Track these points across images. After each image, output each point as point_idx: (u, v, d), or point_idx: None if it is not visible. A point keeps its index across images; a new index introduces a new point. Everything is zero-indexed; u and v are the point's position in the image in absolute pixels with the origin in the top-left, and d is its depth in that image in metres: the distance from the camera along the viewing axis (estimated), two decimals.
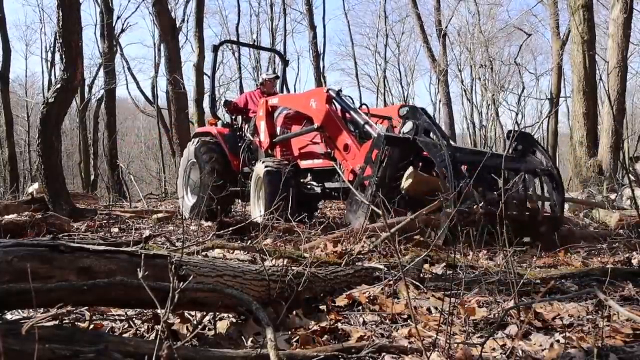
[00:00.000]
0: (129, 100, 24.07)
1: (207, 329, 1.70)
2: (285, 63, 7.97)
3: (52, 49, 21.02)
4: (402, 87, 29.86)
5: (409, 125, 3.91)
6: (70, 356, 1.16)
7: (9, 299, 1.27)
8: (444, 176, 3.53)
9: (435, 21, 19.90)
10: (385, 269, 2.34)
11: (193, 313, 1.77)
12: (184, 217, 5.98)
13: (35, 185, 6.53)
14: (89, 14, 59.72)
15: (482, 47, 22.90)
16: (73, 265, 1.40)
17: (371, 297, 2.01)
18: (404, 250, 2.99)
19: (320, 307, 1.93)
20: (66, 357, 1.15)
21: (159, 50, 19.15)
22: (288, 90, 9.35)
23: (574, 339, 1.57)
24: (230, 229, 3.79)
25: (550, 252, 3.34)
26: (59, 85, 5.43)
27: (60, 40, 5.41)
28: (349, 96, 4.91)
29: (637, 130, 24.73)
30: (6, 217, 4.76)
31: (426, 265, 2.72)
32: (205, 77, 11.96)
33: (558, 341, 1.58)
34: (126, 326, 1.72)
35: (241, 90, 19.77)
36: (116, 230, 4.63)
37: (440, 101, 20.27)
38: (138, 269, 1.26)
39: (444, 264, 2.73)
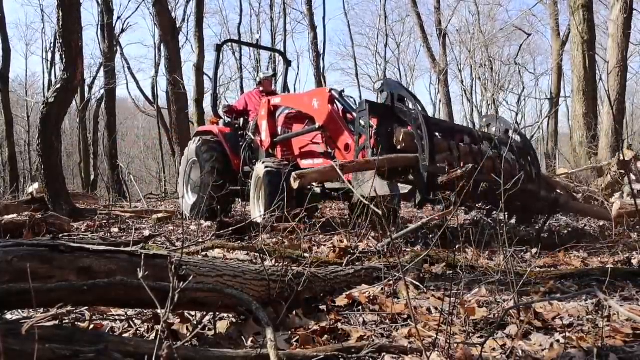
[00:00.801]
0: (129, 100, 24.14)
1: (207, 329, 1.70)
2: (288, 63, 7.92)
3: (52, 48, 21.02)
4: None
5: (384, 95, 4.14)
6: (70, 356, 1.16)
7: (9, 299, 1.27)
8: (420, 137, 3.71)
9: (435, 21, 19.92)
10: (385, 269, 2.35)
11: (193, 313, 1.77)
12: (184, 216, 5.98)
13: (35, 185, 6.51)
14: (90, 13, 59.75)
15: (482, 47, 22.90)
16: (73, 265, 1.40)
17: (371, 297, 2.01)
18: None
19: (320, 307, 1.93)
20: (66, 357, 1.15)
21: (159, 50, 19.20)
22: (289, 91, 9.31)
23: (574, 339, 1.57)
24: (230, 229, 3.79)
25: (550, 252, 3.35)
26: (59, 85, 5.44)
27: (60, 40, 5.42)
28: (352, 97, 4.92)
29: (637, 130, 24.73)
30: (6, 217, 4.75)
31: (426, 265, 2.73)
32: (205, 76, 11.96)
33: (558, 341, 1.58)
34: (126, 326, 1.72)
35: (242, 90, 19.73)
36: (116, 230, 4.63)
37: (440, 101, 20.23)
38: (138, 269, 1.26)
39: (444, 264, 2.73)
